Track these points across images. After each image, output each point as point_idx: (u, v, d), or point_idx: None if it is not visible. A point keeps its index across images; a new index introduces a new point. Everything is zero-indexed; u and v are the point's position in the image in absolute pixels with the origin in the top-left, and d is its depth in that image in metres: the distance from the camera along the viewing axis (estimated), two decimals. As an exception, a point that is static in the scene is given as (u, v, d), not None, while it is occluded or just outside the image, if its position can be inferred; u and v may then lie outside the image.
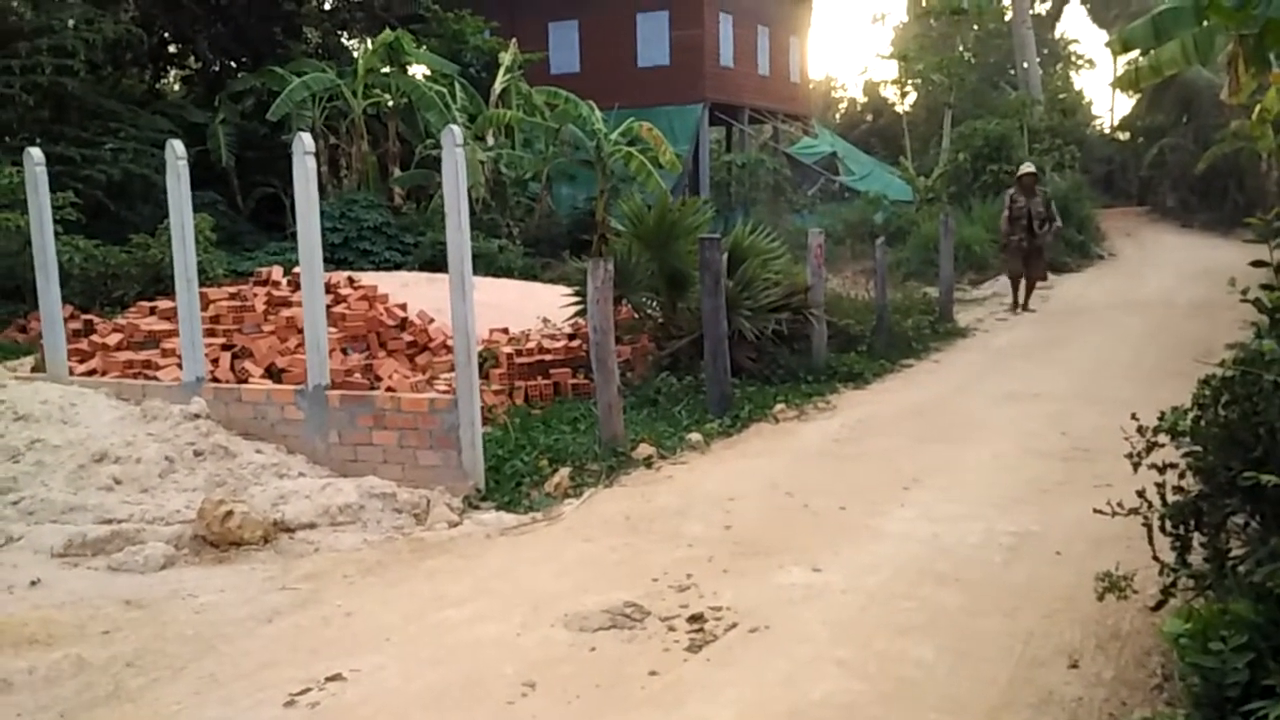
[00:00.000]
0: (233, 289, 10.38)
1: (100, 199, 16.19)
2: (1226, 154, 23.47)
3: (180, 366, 7.86)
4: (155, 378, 8.11)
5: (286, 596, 4.95)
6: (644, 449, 7.38)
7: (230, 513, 5.60)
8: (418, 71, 21.68)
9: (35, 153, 8.11)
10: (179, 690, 4.00)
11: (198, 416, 7.03)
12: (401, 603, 4.84)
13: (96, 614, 4.72)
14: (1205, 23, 8.35)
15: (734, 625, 4.48)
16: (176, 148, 7.41)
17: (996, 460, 7.23)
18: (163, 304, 10.03)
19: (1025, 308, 15.23)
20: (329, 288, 9.49)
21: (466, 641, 4.40)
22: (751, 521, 5.95)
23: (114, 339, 9.13)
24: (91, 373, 8.44)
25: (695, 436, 7.87)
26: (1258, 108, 10.03)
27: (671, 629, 4.46)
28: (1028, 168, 15.57)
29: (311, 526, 5.87)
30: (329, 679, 4.04)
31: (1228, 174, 25.44)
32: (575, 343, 9.88)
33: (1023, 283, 15.45)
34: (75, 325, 10.42)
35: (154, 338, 9.11)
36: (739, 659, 4.16)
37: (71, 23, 17.13)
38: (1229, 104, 10.28)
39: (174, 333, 8.46)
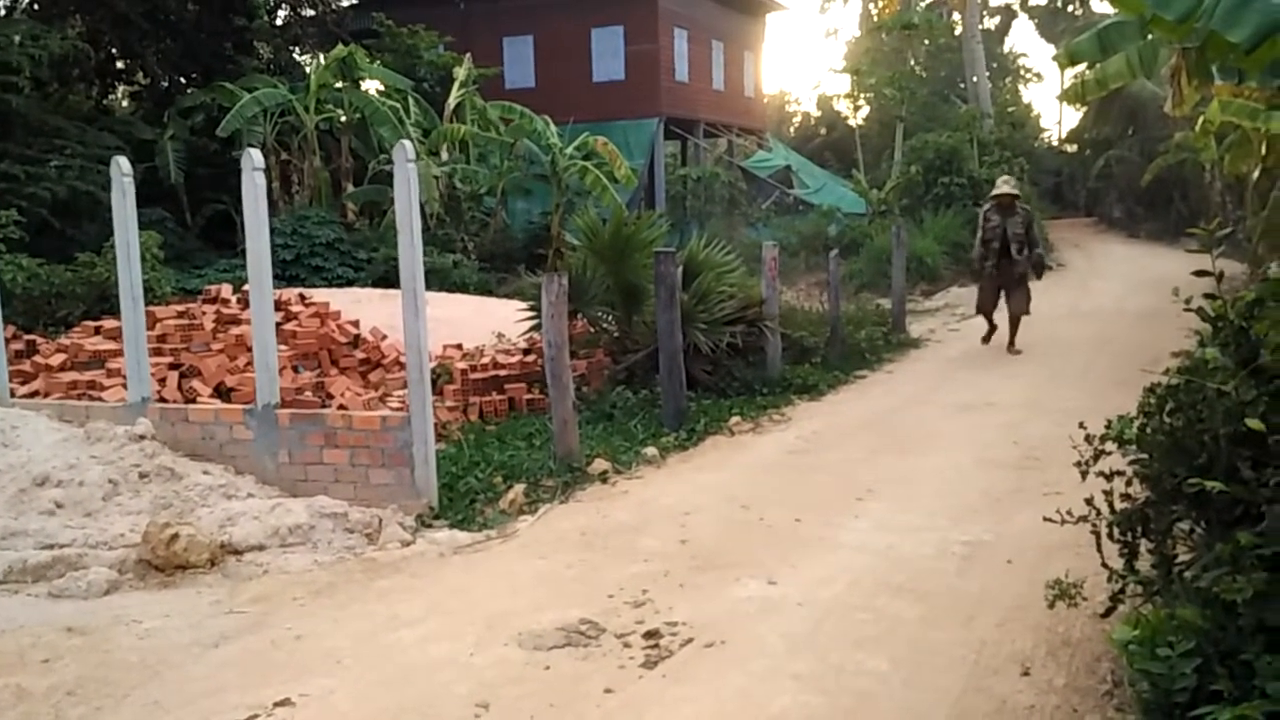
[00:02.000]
0: (180, 307, 10.23)
1: (45, 217, 15.88)
2: (1171, 165, 23.89)
3: (125, 387, 7.71)
4: (100, 399, 7.95)
5: (234, 620, 4.85)
6: (599, 464, 7.35)
7: (176, 535, 5.48)
8: (371, 87, 21.54)
9: (-25, 170, 7.96)
10: (121, 718, 3.90)
11: (143, 438, 6.89)
12: (353, 624, 4.77)
13: (37, 642, 4.59)
14: (1149, 36, 8.49)
15: (690, 640, 4.45)
16: (121, 164, 7.29)
17: (950, 470, 7.27)
18: (108, 323, 9.84)
19: (1011, 347, 12.43)
20: (280, 305, 9.38)
21: (419, 663, 4.33)
22: (707, 536, 5.93)
23: (57, 359, 8.95)
24: (34, 394, 8.26)
25: (651, 451, 7.85)
26: (1200, 120, 10.21)
27: (627, 645, 4.43)
28: (1007, 187, 12.51)
29: (260, 548, 5.76)
30: (277, 704, 3.96)
31: (1172, 185, 25.91)
32: (530, 358, 9.84)
33: (998, 319, 12.60)
34: (17, 346, 10.16)
35: (99, 358, 8.93)
36: (695, 675, 4.14)
37: (17, 39, 16.81)
38: (1173, 116, 10.46)
39: (119, 353, 8.30)
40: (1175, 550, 3.73)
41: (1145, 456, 3.75)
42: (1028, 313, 12.42)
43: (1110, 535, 3.93)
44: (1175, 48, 7.76)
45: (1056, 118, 65.83)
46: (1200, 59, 6.95)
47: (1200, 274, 3.77)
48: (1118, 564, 3.91)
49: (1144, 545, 3.87)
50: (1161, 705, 3.04)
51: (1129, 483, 3.91)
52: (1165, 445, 3.62)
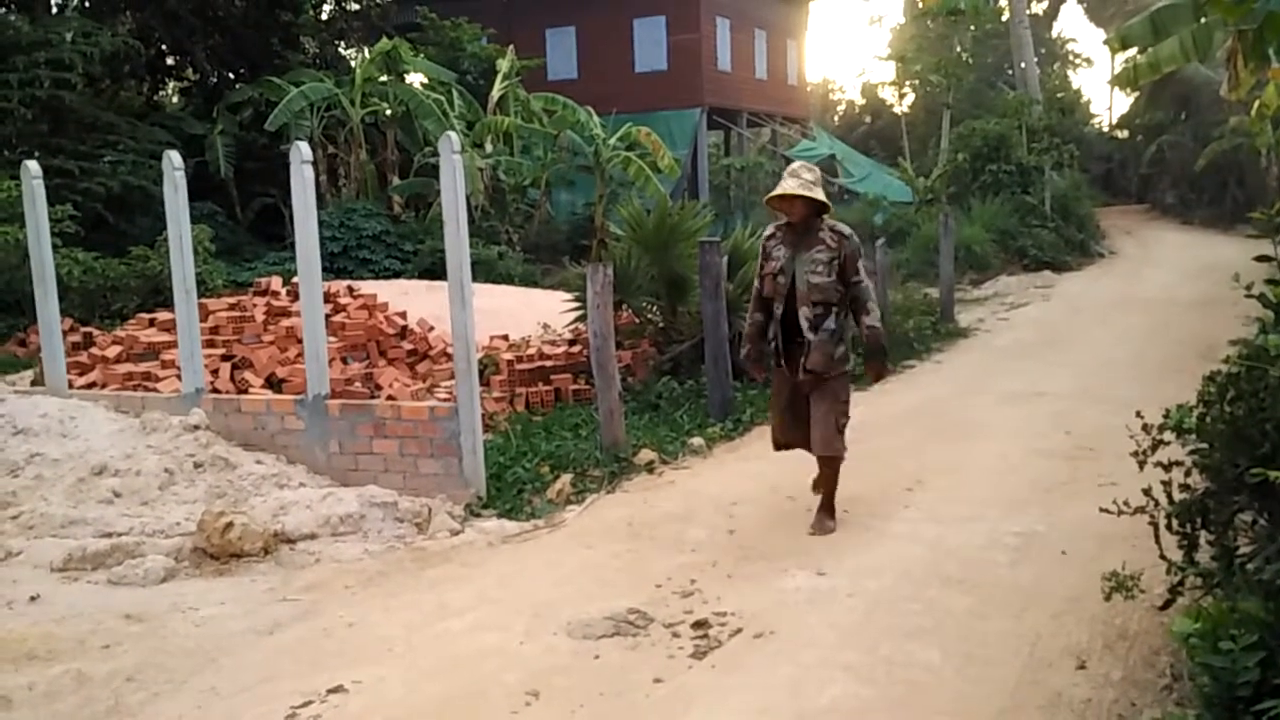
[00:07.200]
0: (232, 299, 10.37)
1: (99, 211, 16.20)
2: (1226, 150, 23.47)
3: (180, 378, 7.84)
4: (155, 389, 8.09)
5: (287, 608, 4.91)
6: (646, 454, 7.35)
7: (230, 524, 5.56)
8: (415, 80, 21.69)
9: (32, 166, 8.08)
10: (180, 704, 3.97)
11: (197, 428, 7.00)
12: (403, 613, 4.81)
13: (97, 628, 4.68)
14: (1203, 19, 8.34)
15: (738, 631, 4.44)
16: (173, 158, 7.39)
17: (1000, 460, 7.19)
18: (162, 316, 10.02)
19: (818, 521, 5.75)
20: (328, 297, 9.47)
21: (469, 651, 4.36)
22: (755, 526, 5.91)
23: (113, 351, 9.12)
24: (91, 385, 8.42)
25: (697, 441, 7.84)
26: (1256, 103, 10.00)
27: (675, 635, 4.42)
28: (794, 184, 5.88)
29: (312, 537, 5.83)
30: (330, 691, 4.00)
31: (1227, 170, 25.45)
32: (576, 348, 9.85)
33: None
34: (75, 338, 10.40)
35: (153, 349, 9.09)
36: (744, 665, 4.12)
37: (69, 36, 17.14)
38: (1228, 100, 10.26)
39: (173, 344, 8.43)
40: (1236, 542, 3.66)
41: (1205, 446, 3.67)
42: (839, 452, 5.77)
43: (1169, 526, 3.86)
44: (1231, 29, 7.61)
45: (1107, 103, 64.86)
46: (1257, 40, 6.80)
47: (1262, 259, 3.70)
48: (1176, 556, 3.84)
49: (1204, 537, 3.80)
50: (1223, 699, 2.98)
51: (1188, 473, 3.83)
52: (1226, 434, 3.55)
